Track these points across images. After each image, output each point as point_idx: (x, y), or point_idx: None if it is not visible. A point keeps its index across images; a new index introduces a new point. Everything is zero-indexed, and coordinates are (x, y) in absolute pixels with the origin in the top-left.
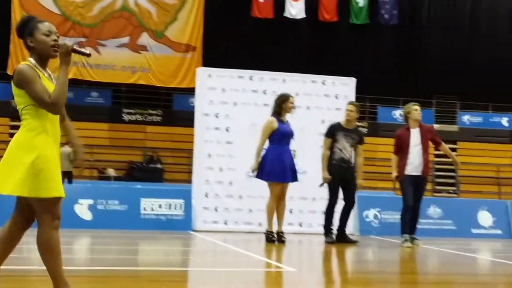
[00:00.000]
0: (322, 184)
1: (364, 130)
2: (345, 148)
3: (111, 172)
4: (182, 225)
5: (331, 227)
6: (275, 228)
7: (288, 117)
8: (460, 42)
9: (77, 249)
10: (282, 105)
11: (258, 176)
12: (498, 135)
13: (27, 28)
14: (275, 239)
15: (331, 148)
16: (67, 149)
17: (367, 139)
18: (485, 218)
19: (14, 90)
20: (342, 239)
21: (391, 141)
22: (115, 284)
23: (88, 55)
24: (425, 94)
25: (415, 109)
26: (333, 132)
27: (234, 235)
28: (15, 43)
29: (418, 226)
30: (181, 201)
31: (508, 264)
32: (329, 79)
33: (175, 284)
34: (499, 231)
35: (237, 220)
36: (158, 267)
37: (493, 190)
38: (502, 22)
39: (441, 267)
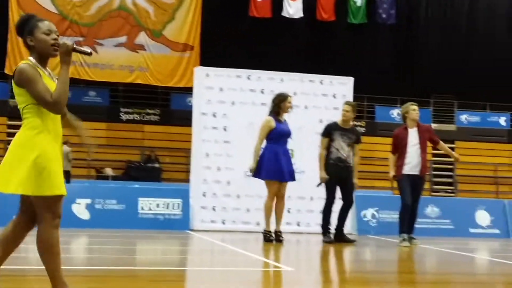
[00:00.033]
0: (319, 184)
1: (362, 130)
2: (342, 147)
3: (108, 171)
4: (180, 224)
5: (329, 227)
6: (273, 228)
7: (285, 116)
8: (457, 42)
9: (75, 249)
10: (280, 104)
11: (255, 175)
12: (496, 134)
13: (27, 26)
14: (272, 238)
15: (328, 147)
16: (65, 148)
17: (365, 139)
18: (483, 217)
19: (15, 89)
20: (340, 238)
21: (389, 140)
22: (112, 283)
23: (89, 54)
24: (423, 94)
25: (413, 109)
26: (329, 131)
27: (232, 234)
28: (13, 42)
29: (416, 226)
30: (179, 200)
31: (505, 263)
32: (326, 78)
33: (173, 283)
34: (496, 231)
35: (235, 219)
36: (156, 267)
37: (490, 190)
38: (499, 22)
39: (439, 266)
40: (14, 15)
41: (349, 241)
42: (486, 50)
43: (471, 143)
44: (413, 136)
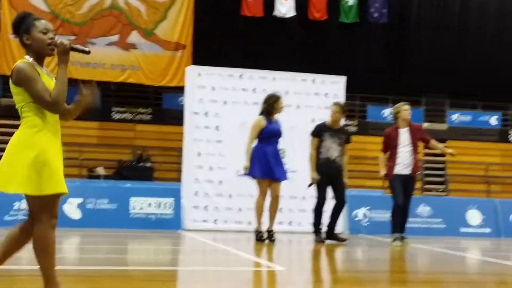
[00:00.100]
0: (310, 185)
1: (354, 129)
2: (332, 148)
3: (100, 170)
4: (172, 224)
5: (320, 226)
6: (265, 227)
7: (277, 115)
8: (449, 41)
9: (66, 248)
10: (274, 105)
11: (245, 174)
12: (487, 133)
13: (23, 25)
14: (264, 238)
15: (318, 148)
16: None
17: (356, 138)
18: (474, 216)
19: (13, 88)
20: (331, 236)
21: (381, 139)
22: (104, 283)
23: (88, 52)
24: (414, 93)
25: (405, 109)
26: (319, 132)
27: (224, 234)
28: (3, 41)
29: (408, 225)
30: (171, 200)
31: (496, 263)
32: (319, 77)
33: (165, 283)
34: (488, 230)
35: (227, 219)
36: (148, 267)
37: (482, 189)
38: (491, 22)
39: (430, 265)
40: (5, 13)
41: (340, 240)
42: (478, 49)
43: (463, 142)
44: (404, 136)
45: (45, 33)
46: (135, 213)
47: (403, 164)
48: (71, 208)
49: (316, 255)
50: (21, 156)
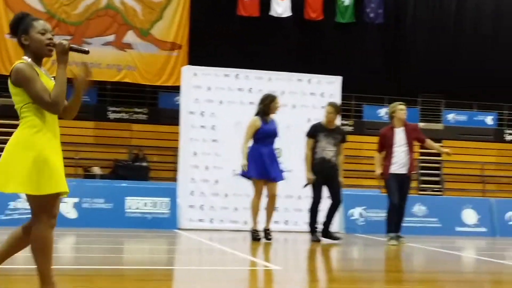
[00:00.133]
0: (306, 185)
1: (350, 129)
2: (327, 148)
3: (96, 170)
4: (168, 223)
5: (316, 226)
6: (262, 225)
7: (273, 115)
8: (445, 42)
9: (62, 248)
10: (270, 105)
11: (241, 174)
12: (483, 133)
13: (21, 25)
14: (260, 237)
15: (314, 148)
16: None
17: (352, 138)
18: (469, 216)
19: (12, 89)
20: (326, 235)
21: (376, 139)
22: (99, 283)
23: (87, 52)
24: (410, 93)
25: (401, 109)
26: (314, 132)
27: (220, 233)
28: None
29: (403, 224)
30: (167, 199)
31: (492, 261)
32: (314, 77)
33: (160, 283)
34: (483, 229)
35: (223, 218)
36: (143, 266)
37: (477, 188)
38: (487, 22)
39: (426, 265)
40: (1, 13)
41: (335, 238)
42: (474, 50)
43: (458, 142)
44: (399, 135)
45: (43, 34)
46: (131, 212)
47: (399, 163)
48: (67, 208)
49: (312, 255)
50: (21, 156)
